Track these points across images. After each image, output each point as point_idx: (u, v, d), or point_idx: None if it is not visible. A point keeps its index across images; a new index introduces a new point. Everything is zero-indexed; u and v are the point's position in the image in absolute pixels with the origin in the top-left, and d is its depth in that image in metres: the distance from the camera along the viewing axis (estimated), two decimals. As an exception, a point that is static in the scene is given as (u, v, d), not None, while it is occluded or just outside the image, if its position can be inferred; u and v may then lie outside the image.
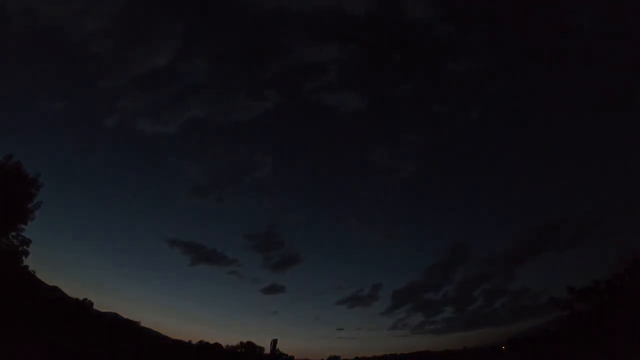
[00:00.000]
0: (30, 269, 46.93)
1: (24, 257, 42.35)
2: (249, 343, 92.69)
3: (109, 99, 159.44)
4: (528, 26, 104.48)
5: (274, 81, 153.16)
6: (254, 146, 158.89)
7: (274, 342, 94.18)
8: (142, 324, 73.04)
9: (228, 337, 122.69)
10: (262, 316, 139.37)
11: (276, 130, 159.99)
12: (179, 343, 76.67)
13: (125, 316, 69.62)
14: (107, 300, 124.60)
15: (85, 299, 63.32)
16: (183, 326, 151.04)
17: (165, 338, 77.82)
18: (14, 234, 40.01)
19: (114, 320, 63.34)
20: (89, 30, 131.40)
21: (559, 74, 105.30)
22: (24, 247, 41.51)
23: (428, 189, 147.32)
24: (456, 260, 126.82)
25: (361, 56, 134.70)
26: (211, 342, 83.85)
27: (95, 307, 64.58)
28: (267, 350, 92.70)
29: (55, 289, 56.68)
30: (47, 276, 59.27)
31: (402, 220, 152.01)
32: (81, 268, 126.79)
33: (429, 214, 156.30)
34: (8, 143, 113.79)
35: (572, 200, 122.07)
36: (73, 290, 64.60)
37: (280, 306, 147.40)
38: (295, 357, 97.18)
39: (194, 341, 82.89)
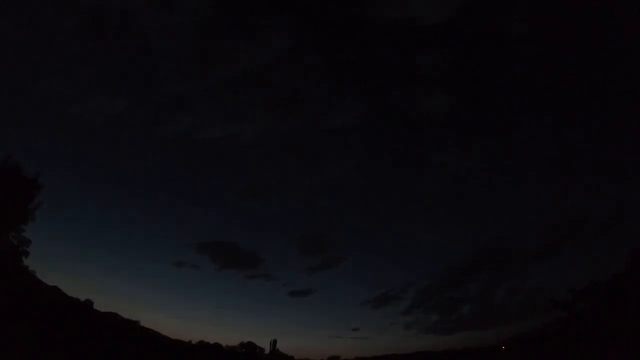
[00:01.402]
0: (30, 269, 47.12)
1: (24, 257, 42.57)
2: (249, 343, 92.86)
3: (179, 101, 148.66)
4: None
5: (366, 88, 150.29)
6: (332, 151, 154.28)
7: (274, 342, 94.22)
8: (142, 324, 73.40)
9: (235, 337, 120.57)
10: (280, 318, 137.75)
11: (358, 136, 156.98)
12: (179, 343, 76.68)
13: (125, 316, 69.73)
14: (107, 300, 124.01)
15: (85, 299, 63.64)
16: (183, 326, 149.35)
17: (165, 338, 77.77)
18: (14, 234, 40.20)
19: (114, 320, 63.38)
20: (165, 25, 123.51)
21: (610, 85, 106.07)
22: (24, 247, 41.72)
23: (480, 191, 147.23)
24: (485, 259, 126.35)
25: (451, 66, 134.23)
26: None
27: (95, 307, 64.84)
28: (267, 351, 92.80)
29: (55, 289, 56.65)
30: (47, 276, 59.21)
31: (451, 221, 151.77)
32: (81, 268, 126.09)
33: (472, 213, 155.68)
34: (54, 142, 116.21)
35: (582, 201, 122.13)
36: (73, 290, 64.30)
37: (304, 308, 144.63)
38: (295, 357, 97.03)
39: (194, 341, 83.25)
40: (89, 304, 63.50)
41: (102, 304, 71.95)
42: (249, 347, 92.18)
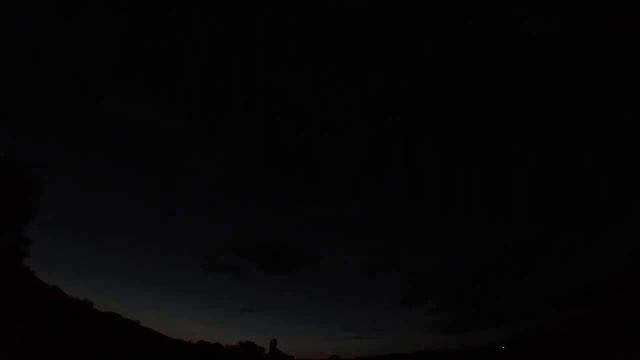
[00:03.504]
0: (30, 269, 47.08)
1: (24, 257, 42.54)
2: (249, 343, 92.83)
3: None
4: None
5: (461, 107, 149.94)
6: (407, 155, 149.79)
7: (274, 342, 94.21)
8: (142, 324, 73.39)
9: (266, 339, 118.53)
10: (296, 318, 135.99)
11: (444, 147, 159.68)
12: (179, 343, 76.68)
13: (125, 316, 69.75)
14: (107, 301, 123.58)
15: (85, 299, 63.64)
16: (183, 326, 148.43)
17: (165, 338, 77.80)
18: (14, 234, 40.16)
19: (114, 320, 63.36)
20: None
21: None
22: (24, 247, 41.68)
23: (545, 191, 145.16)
24: (505, 259, 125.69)
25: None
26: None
27: (95, 307, 64.84)
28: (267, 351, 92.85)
29: (55, 289, 56.65)
30: (47, 276, 59.19)
31: (485, 222, 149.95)
32: (81, 268, 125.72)
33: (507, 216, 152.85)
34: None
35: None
36: (73, 290, 64.31)
37: (338, 310, 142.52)
38: (295, 357, 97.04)
39: (194, 341, 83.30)
40: (89, 304, 63.49)
41: (102, 305, 71.95)
42: (249, 346, 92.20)
